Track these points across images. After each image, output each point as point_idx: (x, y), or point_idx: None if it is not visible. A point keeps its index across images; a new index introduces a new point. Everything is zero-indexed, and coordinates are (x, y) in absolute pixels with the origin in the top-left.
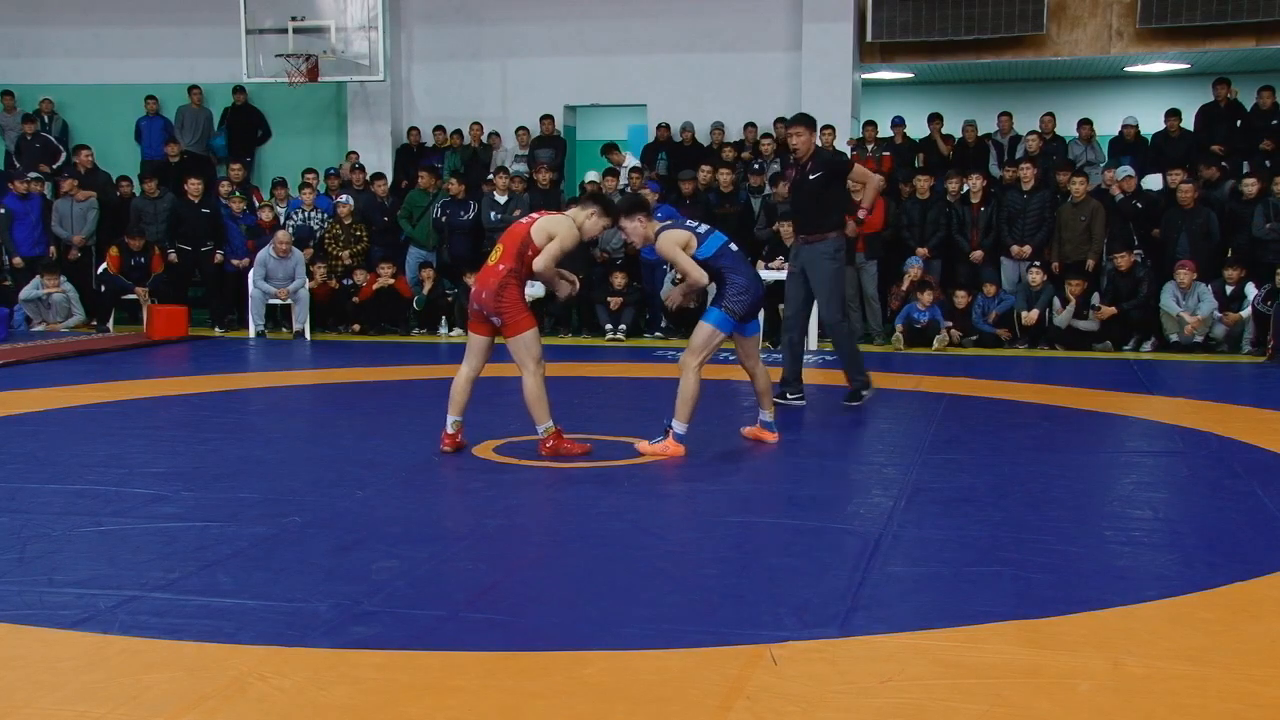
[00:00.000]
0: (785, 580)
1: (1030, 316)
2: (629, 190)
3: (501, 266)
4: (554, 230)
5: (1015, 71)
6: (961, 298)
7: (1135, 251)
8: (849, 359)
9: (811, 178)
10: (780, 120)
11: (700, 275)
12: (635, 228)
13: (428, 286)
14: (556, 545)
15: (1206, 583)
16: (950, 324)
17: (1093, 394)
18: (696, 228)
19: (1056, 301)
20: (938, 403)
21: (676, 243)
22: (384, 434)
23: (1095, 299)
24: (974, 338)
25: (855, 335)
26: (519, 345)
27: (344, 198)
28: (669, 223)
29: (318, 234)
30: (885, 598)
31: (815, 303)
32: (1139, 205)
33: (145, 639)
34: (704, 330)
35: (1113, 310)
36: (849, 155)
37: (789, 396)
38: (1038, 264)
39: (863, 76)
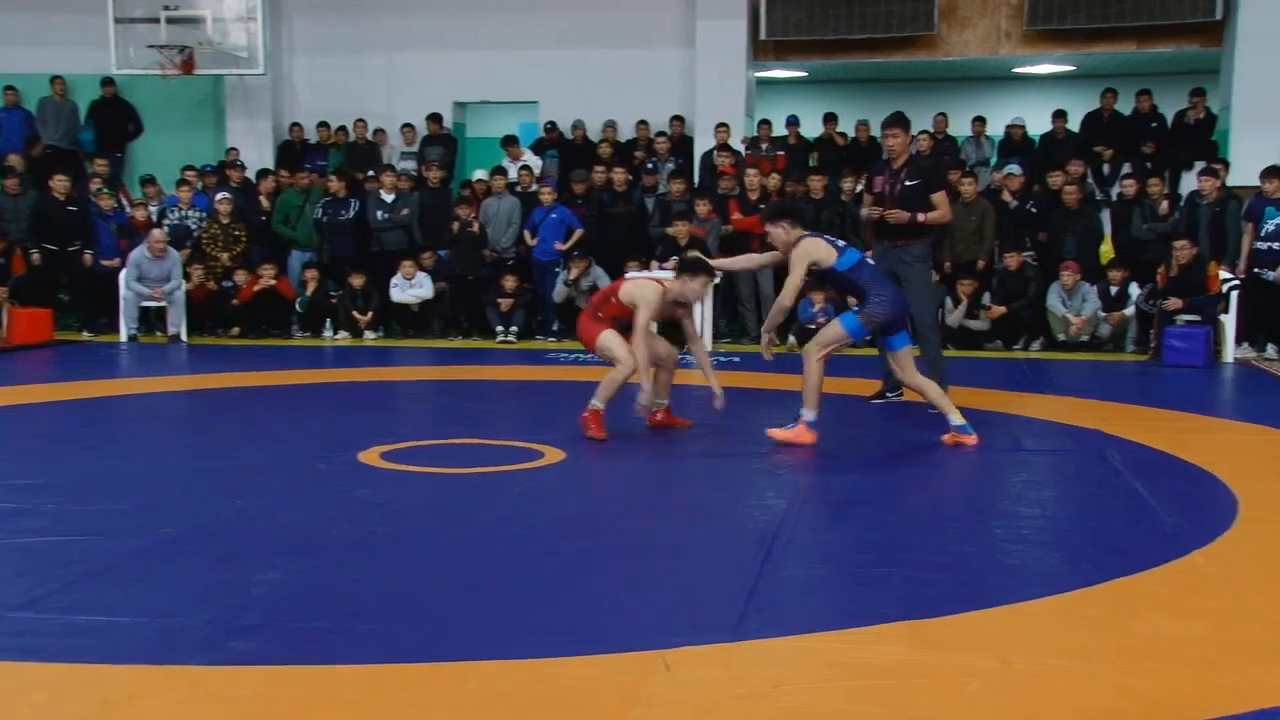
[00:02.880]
0: (678, 585)
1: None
2: (520, 190)
3: (600, 313)
4: (639, 293)
5: (908, 71)
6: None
7: (1025, 252)
8: (936, 364)
9: (908, 184)
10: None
11: (789, 300)
12: (778, 234)
13: (311, 288)
14: (445, 553)
15: (1092, 579)
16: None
17: (984, 393)
18: (836, 242)
19: (948, 301)
20: (832, 404)
21: (810, 256)
22: (265, 442)
23: (986, 299)
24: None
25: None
26: (602, 345)
27: (223, 195)
28: (809, 233)
29: (195, 234)
30: (778, 601)
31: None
32: (1033, 209)
33: (4, 662)
34: (835, 328)
35: (1003, 310)
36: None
37: (890, 395)
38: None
39: (757, 75)
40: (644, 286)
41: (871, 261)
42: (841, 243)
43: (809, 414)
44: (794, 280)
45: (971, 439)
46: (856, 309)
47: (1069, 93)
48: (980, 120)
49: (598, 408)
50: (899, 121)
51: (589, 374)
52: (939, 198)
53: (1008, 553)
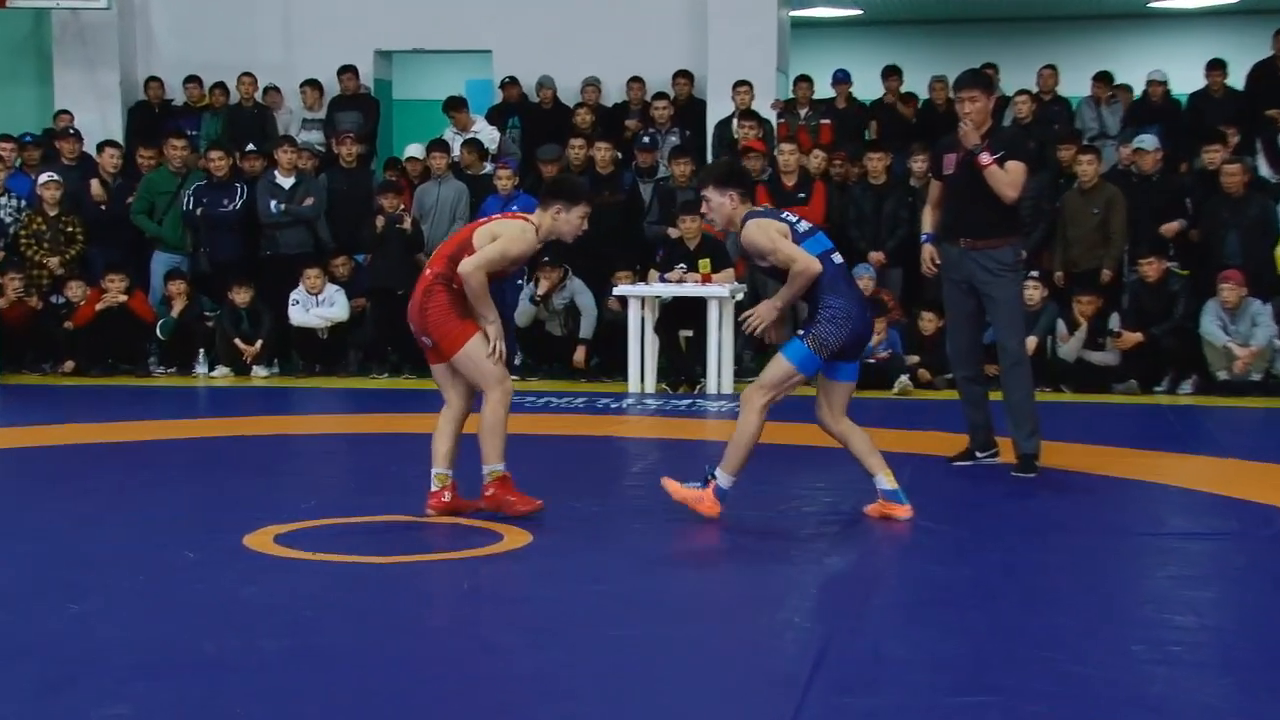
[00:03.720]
0: (689, 718)
1: (1026, 345)
2: (468, 172)
3: (428, 271)
4: (500, 233)
5: (1001, 8)
6: (930, 322)
7: (1168, 259)
8: (1021, 410)
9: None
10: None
11: (814, 266)
12: (723, 205)
13: (178, 306)
14: (365, 676)
15: (1271, 715)
16: (916, 358)
17: (1112, 452)
18: (796, 223)
19: (1061, 326)
20: (900, 466)
21: (757, 243)
22: (112, 521)
23: (1114, 322)
24: (949, 376)
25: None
26: (465, 364)
27: (48, 176)
28: (760, 208)
29: (11, 230)
30: None
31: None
32: (1180, 197)
33: None
34: (781, 367)
35: (1138, 337)
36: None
37: (980, 455)
38: (1034, 274)
39: (792, 14)
40: (509, 224)
41: (839, 260)
42: (803, 225)
43: (724, 479)
44: (789, 251)
45: (904, 510)
46: (802, 331)
47: (1229, 35)
48: (1104, 76)
49: (498, 473)
50: (977, 81)
51: (564, 424)
52: (1014, 168)
53: (1150, 677)
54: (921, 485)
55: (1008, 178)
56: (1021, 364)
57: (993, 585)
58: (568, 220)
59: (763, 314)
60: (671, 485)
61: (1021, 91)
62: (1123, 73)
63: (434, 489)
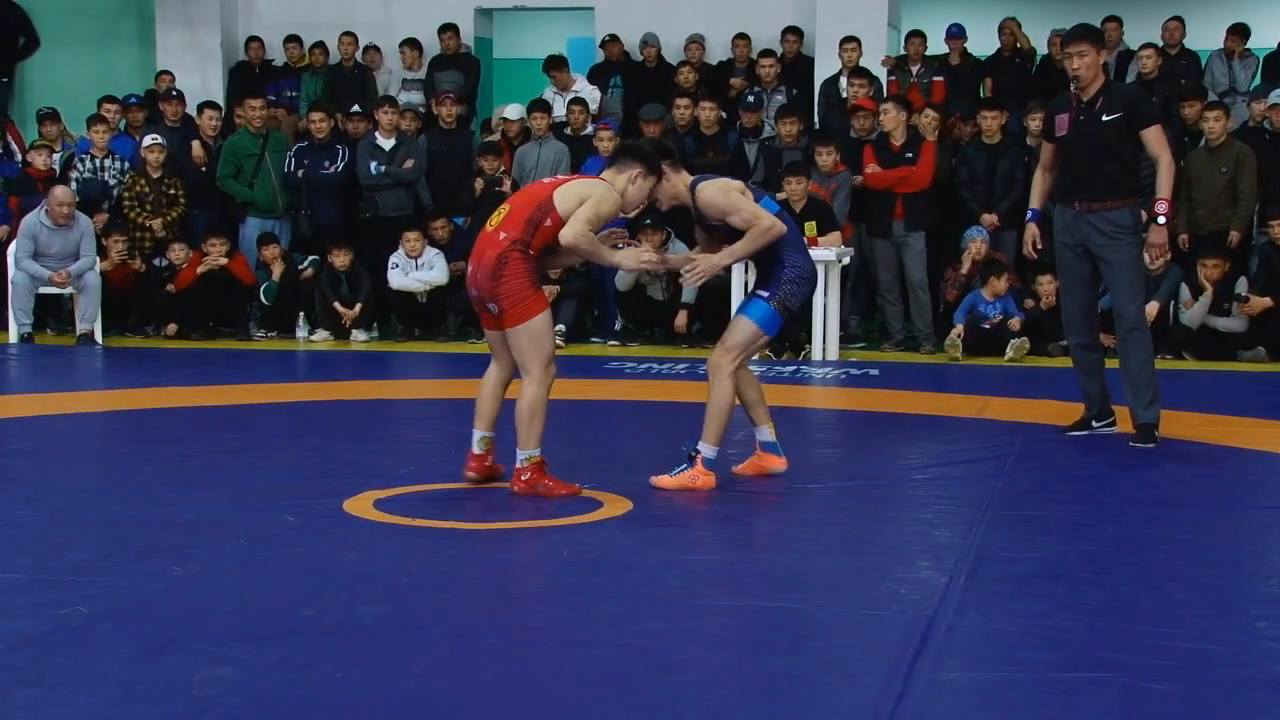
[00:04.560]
0: (792, 692)
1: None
2: (569, 132)
3: (503, 235)
4: (588, 194)
5: None
6: (1047, 285)
7: None
8: (1139, 378)
9: (1105, 119)
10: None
11: (780, 225)
12: (664, 185)
13: (276, 271)
14: (467, 644)
15: None
16: (1022, 318)
17: (1237, 422)
18: (747, 183)
19: (1185, 290)
20: (1012, 436)
21: (732, 189)
22: (213, 485)
23: (1241, 286)
24: (1065, 342)
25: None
26: (523, 339)
27: (152, 139)
28: (705, 175)
29: (115, 192)
30: (934, 716)
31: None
32: None
33: None
34: (744, 327)
35: (1267, 302)
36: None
37: (1096, 424)
38: None
39: None
40: (593, 184)
41: (789, 220)
42: (752, 186)
43: (708, 449)
44: (751, 211)
45: (780, 462)
46: (766, 291)
47: None
48: (1239, 28)
49: (536, 457)
50: (1086, 35)
51: (665, 390)
52: (1153, 135)
53: (1275, 656)
54: (1035, 456)
55: (1164, 158)
56: (1140, 329)
57: (1107, 559)
58: (640, 189)
59: (705, 270)
60: (661, 480)
61: (1146, 45)
62: (1262, 27)
63: (479, 451)
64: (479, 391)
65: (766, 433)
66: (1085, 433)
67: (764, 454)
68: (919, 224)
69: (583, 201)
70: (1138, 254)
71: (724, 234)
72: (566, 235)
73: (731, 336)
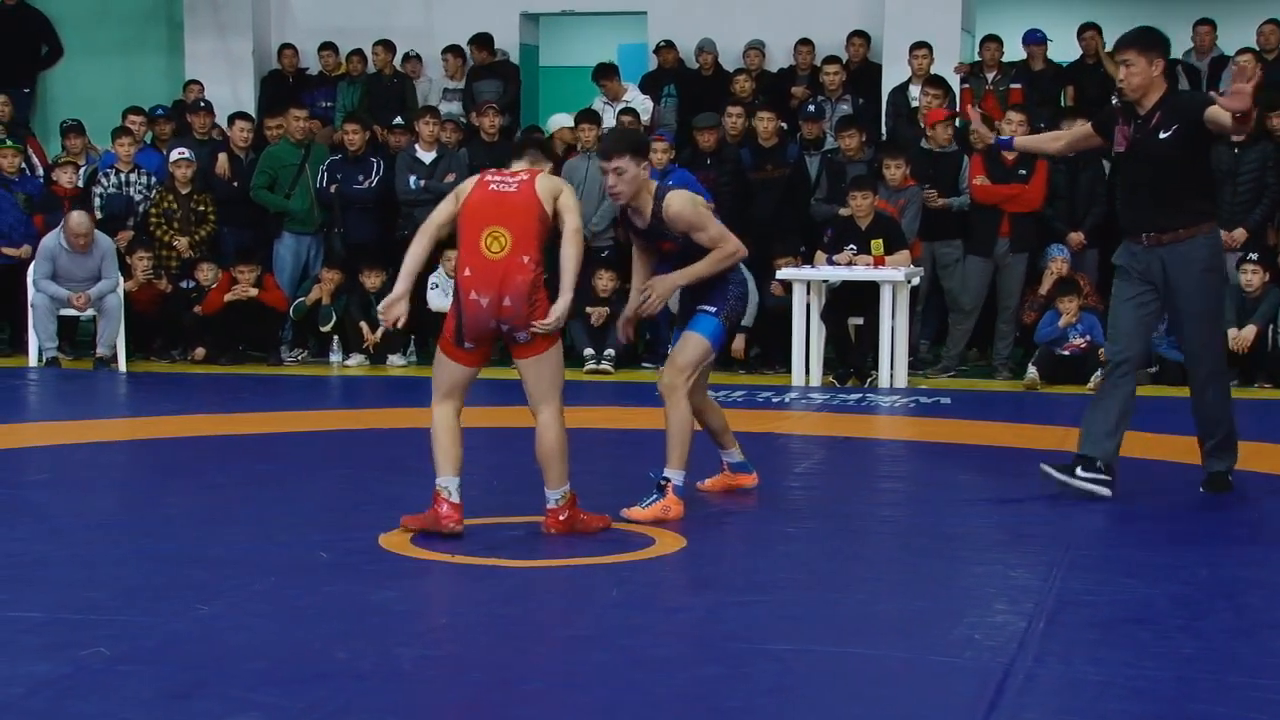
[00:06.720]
0: None
1: (1243, 337)
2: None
3: (526, 259)
4: (556, 188)
5: None
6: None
7: None
8: (1219, 423)
9: (1162, 136)
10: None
11: (743, 248)
12: (638, 176)
13: (314, 294)
14: (508, 690)
15: None
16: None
17: None
18: (704, 194)
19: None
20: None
21: (699, 203)
22: (241, 519)
23: None
24: (1153, 369)
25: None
26: (549, 366)
27: (180, 154)
28: (671, 183)
29: (140, 209)
30: None
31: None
32: None
33: None
34: (696, 344)
35: None
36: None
37: (1079, 473)
38: (1254, 256)
39: None
40: (547, 178)
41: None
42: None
43: (675, 475)
44: (718, 230)
45: (751, 479)
46: (714, 306)
47: None
48: None
49: (570, 493)
50: (1133, 42)
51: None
52: (1212, 110)
53: None
54: (1122, 491)
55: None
56: (1219, 369)
57: (1199, 604)
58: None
59: (662, 293)
60: (633, 512)
61: (1243, 50)
62: None
63: (459, 500)
64: (438, 437)
65: (735, 454)
66: (1065, 478)
67: (734, 473)
68: (1024, 245)
69: (556, 195)
70: (1220, 290)
71: (676, 246)
72: (579, 231)
73: (682, 355)
